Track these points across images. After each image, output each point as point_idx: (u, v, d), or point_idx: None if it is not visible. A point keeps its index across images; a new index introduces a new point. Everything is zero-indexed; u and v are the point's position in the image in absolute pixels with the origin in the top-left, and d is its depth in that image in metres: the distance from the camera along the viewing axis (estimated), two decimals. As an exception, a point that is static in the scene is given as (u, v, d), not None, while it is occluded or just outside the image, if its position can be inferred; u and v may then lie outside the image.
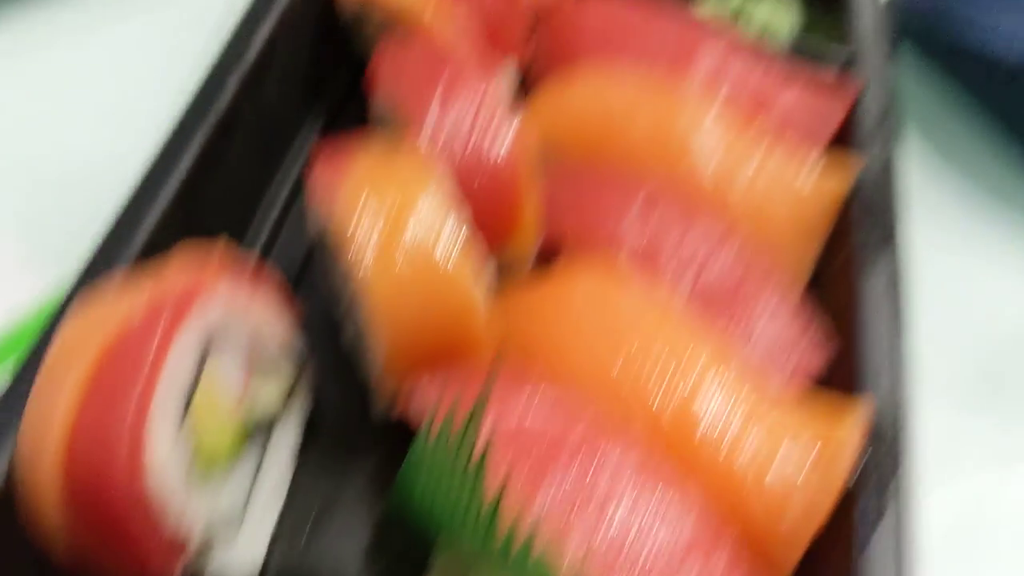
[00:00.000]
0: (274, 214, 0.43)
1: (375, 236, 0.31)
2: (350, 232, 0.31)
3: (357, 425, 0.36)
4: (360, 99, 0.42)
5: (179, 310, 0.29)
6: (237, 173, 0.41)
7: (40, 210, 0.43)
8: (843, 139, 0.42)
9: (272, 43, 0.43)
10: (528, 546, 0.26)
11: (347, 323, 0.37)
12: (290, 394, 0.34)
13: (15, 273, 0.39)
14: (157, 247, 0.35)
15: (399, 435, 0.32)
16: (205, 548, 0.28)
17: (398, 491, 0.29)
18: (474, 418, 0.28)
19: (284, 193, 0.44)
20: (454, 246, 0.31)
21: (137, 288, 0.30)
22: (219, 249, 0.32)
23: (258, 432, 0.32)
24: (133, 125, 0.47)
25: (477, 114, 0.35)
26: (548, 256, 0.39)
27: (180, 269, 0.31)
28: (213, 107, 0.39)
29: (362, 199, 0.32)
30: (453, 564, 0.29)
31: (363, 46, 0.48)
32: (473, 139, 0.35)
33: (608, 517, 0.28)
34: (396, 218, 0.31)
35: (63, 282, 0.38)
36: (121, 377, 0.27)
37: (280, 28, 0.43)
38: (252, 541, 0.31)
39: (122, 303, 0.29)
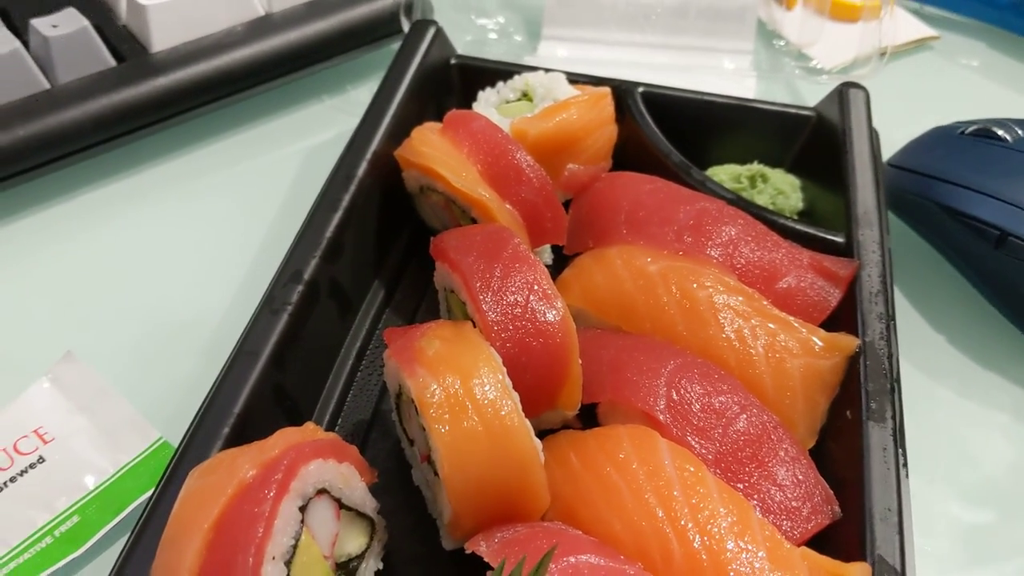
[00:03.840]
0: (349, 364, 0.49)
1: (450, 408, 0.37)
2: (430, 402, 0.37)
3: (427, 557, 0.41)
4: (419, 258, 0.48)
5: (287, 472, 0.34)
6: (320, 332, 0.47)
7: (143, 365, 0.49)
8: (843, 310, 0.48)
9: (349, 216, 0.49)
10: None
11: (416, 467, 0.43)
12: (371, 536, 0.39)
13: (124, 428, 0.44)
14: (253, 410, 0.41)
15: (466, 565, 0.37)
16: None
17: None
18: (541, 566, 0.32)
19: (357, 345, 0.50)
20: (514, 410, 0.37)
21: (246, 456, 0.35)
22: (310, 426, 0.38)
23: (347, 570, 0.37)
24: (222, 282, 0.54)
25: (531, 293, 0.41)
26: (585, 412, 0.44)
27: (281, 442, 0.36)
28: (301, 278, 0.45)
29: (438, 376, 0.38)
30: None
31: (423, 214, 0.55)
32: (529, 315, 0.41)
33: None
34: (466, 389, 0.37)
35: (167, 433, 0.44)
36: (240, 533, 0.32)
37: (354, 202, 0.50)
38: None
39: (235, 468, 0.35)
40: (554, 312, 0.41)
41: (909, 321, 0.54)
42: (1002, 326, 0.54)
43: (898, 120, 0.61)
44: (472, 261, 0.43)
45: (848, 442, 0.42)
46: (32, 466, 0.42)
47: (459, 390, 0.37)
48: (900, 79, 0.72)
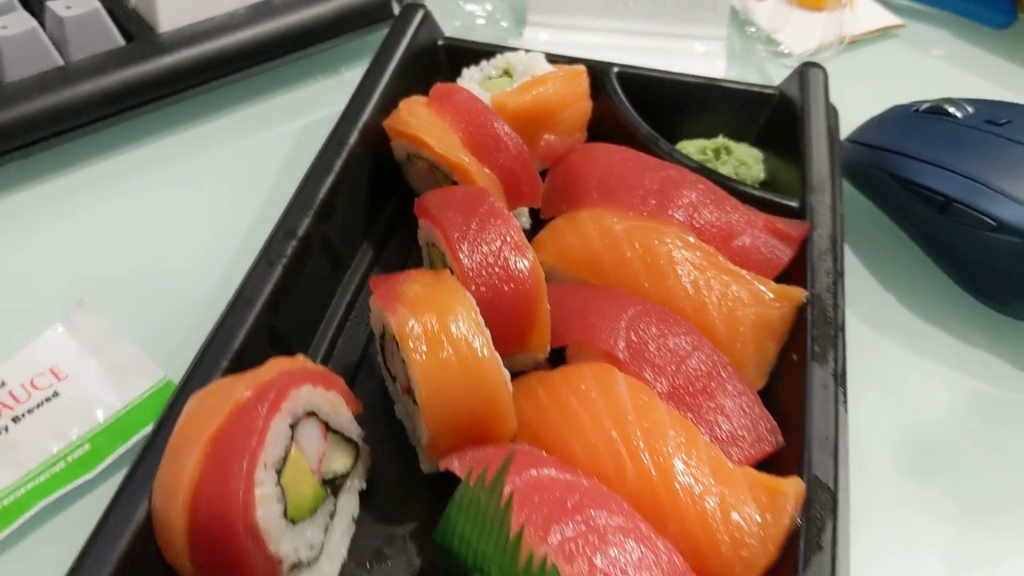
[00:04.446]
0: (340, 314, 0.53)
1: (426, 341, 0.41)
2: (409, 334, 0.41)
3: (407, 480, 0.45)
4: (408, 220, 0.52)
5: (279, 393, 0.38)
6: (312, 285, 0.51)
7: (149, 314, 0.53)
8: (795, 269, 0.52)
9: (340, 180, 0.54)
10: (541, 574, 0.35)
11: (398, 401, 0.47)
12: (355, 458, 0.43)
13: (131, 368, 0.48)
14: (249, 350, 0.45)
15: (442, 488, 0.41)
16: (293, 572, 0.37)
17: (442, 528, 0.38)
18: (501, 473, 0.37)
19: (348, 297, 0.54)
20: (485, 344, 0.41)
21: (242, 381, 0.39)
22: (300, 357, 0.42)
23: (333, 487, 0.41)
24: (223, 240, 0.59)
25: (504, 244, 0.45)
26: (555, 357, 0.48)
27: (273, 368, 0.40)
28: (295, 234, 0.50)
29: (416, 313, 0.42)
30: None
31: (411, 180, 0.60)
32: (501, 264, 0.45)
33: (601, 557, 0.36)
34: (442, 324, 0.41)
35: (171, 373, 0.48)
36: (236, 443, 0.36)
37: (346, 168, 0.54)
38: (328, 568, 0.40)
39: (232, 391, 0.39)
40: (524, 261, 0.45)
41: (861, 282, 0.58)
42: (947, 286, 0.58)
43: (862, 103, 0.64)
44: (451, 215, 0.47)
45: (793, 382, 0.46)
46: (48, 400, 0.46)
47: (435, 325, 0.41)
48: (865, 65, 0.76)
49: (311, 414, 0.40)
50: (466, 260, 0.45)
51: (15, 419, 0.45)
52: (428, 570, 0.42)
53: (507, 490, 0.37)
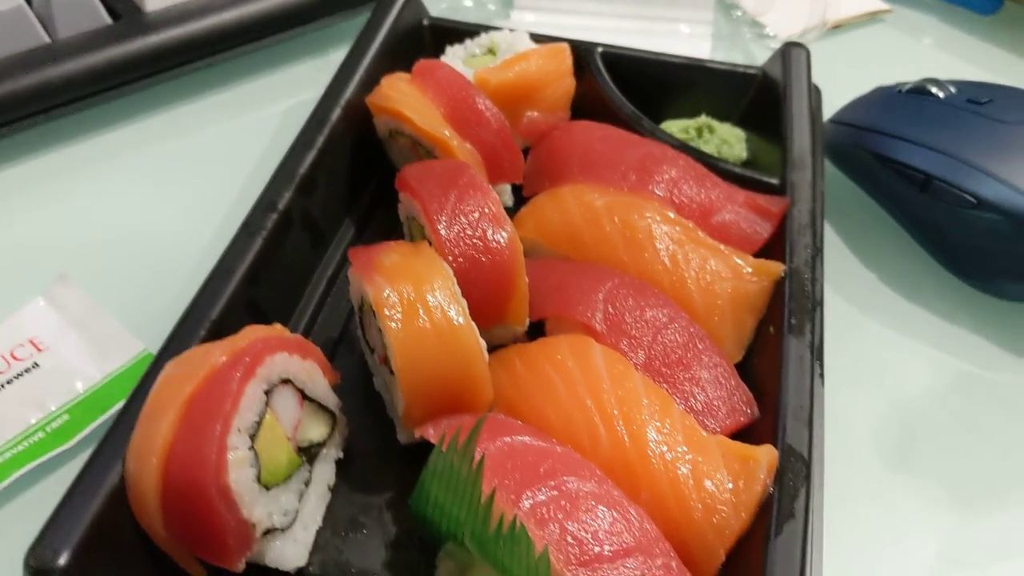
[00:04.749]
0: (320, 290, 0.53)
1: (402, 309, 0.41)
2: (385, 302, 0.41)
3: (384, 451, 0.45)
4: (391, 198, 0.53)
5: (254, 359, 0.38)
6: (293, 259, 0.51)
7: (131, 289, 0.54)
8: (775, 245, 0.52)
9: (322, 156, 0.54)
10: (512, 537, 0.35)
11: (376, 373, 0.47)
12: (332, 428, 0.43)
13: (111, 341, 0.48)
14: (227, 321, 0.45)
15: (418, 459, 0.40)
16: (267, 537, 0.37)
17: (416, 496, 0.38)
18: (471, 437, 0.37)
19: (328, 273, 0.54)
20: (461, 313, 0.41)
21: (218, 348, 0.39)
22: (277, 326, 0.42)
23: (308, 455, 0.41)
24: (206, 216, 0.59)
25: (482, 216, 0.46)
26: (535, 332, 0.48)
27: (250, 335, 0.41)
28: (276, 208, 0.50)
29: (392, 282, 0.42)
30: (455, 555, 0.38)
31: (393, 157, 0.60)
32: (479, 236, 0.45)
33: (573, 522, 0.36)
34: (418, 293, 0.41)
35: (151, 346, 0.48)
36: (210, 407, 0.36)
37: (328, 144, 0.54)
38: (303, 536, 0.40)
39: (207, 357, 0.39)
40: (503, 232, 0.45)
41: (842, 260, 0.59)
42: (929, 266, 0.58)
43: (847, 86, 0.65)
44: (430, 187, 0.47)
45: (770, 355, 0.46)
46: (27, 371, 0.46)
47: (411, 294, 0.41)
48: (852, 49, 0.76)
49: (287, 381, 0.40)
50: (444, 231, 0.45)
51: (-6, 388, 0.46)
52: (404, 538, 0.42)
53: (479, 455, 0.37)
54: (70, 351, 0.48)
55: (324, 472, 0.43)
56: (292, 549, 0.39)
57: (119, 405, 0.46)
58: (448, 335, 0.41)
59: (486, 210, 0.46)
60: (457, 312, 0.41)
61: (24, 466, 0.43)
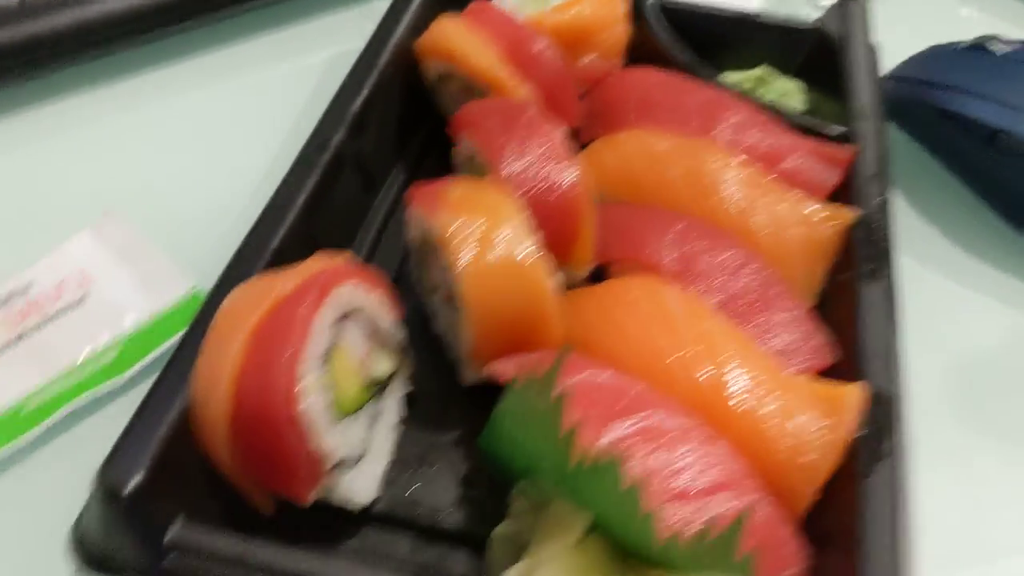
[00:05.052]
0: (371, 235, 0.52)
1: (472, 242, 0.39)
2: (454, 236, 0.39)
3: (447, 392, 0.44)
4: (440, 148, 0.51)
5: (323, 288, 0.37)
6: (345, 201, 0.50)
7: (177, 226, 0.52)
8: (842, 194, 0.51)
9: (372, 98, 0.52)
10: (595, 472, 0.33)
11: (439, 312, 0.45)
12: (398, 363, 0.41)
13: (161, 277, 0.47)
14: (285, 255, 0.43)
15: (483, 399, 0.39)
16: (337, 470, 0.36)
17: (488, 433, 0.37)
18: (553, 371, 0.35)
19: (379, 219, 0.53)
20: (532, 250, 0.40)
21: (286, 275, 0.38)
22: (345, 255, 0.41)
23: (375, 390, 0.39)
24: (250, 160, 0.57)
25: (548, 152, 0.44)
26: (598, 277, 0.47)
27: (317, 264, 0.39)
28: (328, 146, 0.48)
29: (460, 215, 0.40)
30: (530, 493, 0.36)
31: (443, 104, 0.58)
32: (545, 172, 0.43)
33: (658, 457, 0.35)
34: (489, 226, 0.40)
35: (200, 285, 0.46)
36: (280, 333, 0.35)
37: (378, 87, 0.53)
38: (372, 470, 0.38)
39: (275, 284, 0.37)
40: (569, 170, 0.44)
41: (904, 217, 0.57)
42: (991, 220, 0.56)
43: (898, 47, 0.63)
44: (492, 125, 0.45)
45: (844, 303, 0.45)
46: (76, 304, 0.45)
47: (480, 226, 0.40)
48: (905, 14, 0.75)
49: (355, 312, 0.39)
50: (509, 168, 0.43)
51: (43, 321, 0.44)
52: (473, 477, 0.41)
53: (559, 390, 0.36)
54: (119, 285, 0.46)
55: (392, 407, 0.41)
56: (361, 483, 0.38)
57: (170, 341, 0.45)
58: (520, 270, 0.39)
59: (553, 147, 0.44)
60: (530, 245, 0.40)
61: (73, 400, 0.42)
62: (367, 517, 0.39)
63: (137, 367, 0.44)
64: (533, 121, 0.46)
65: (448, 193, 0.42)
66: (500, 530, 0.38)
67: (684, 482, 0.34)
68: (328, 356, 0.37)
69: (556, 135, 0.45)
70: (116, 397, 0.44)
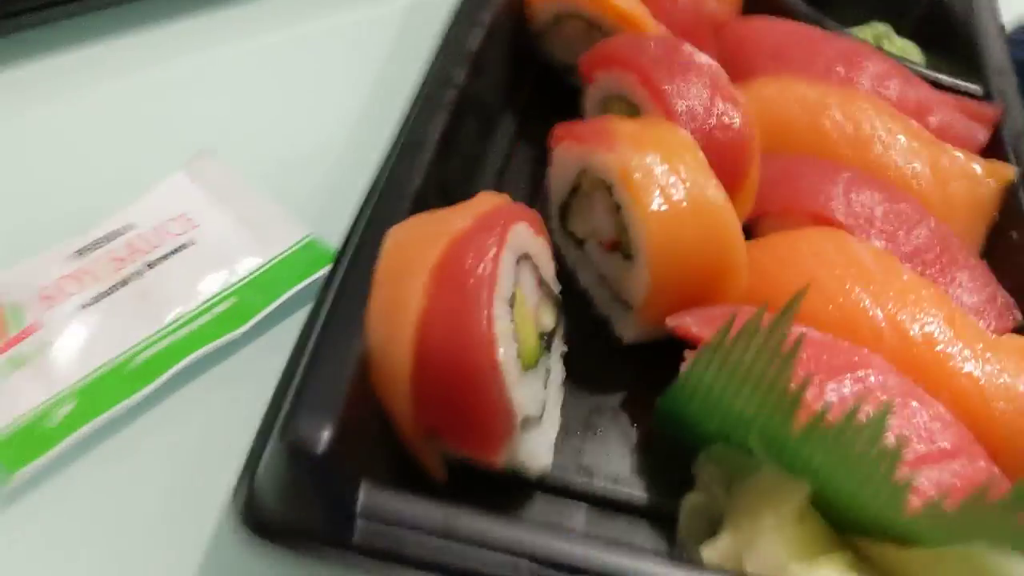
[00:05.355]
0: (489, 182, 0.47)
1: (657, 181, 0.35)
2: (634, 172, 0.35)
3: (600, 351, 0.40)
4: (549, 99, 0.47)
5: (505, 225, 0.33)
6: (466, 145, 0.45)
7: (285, 170, 0.47)
8: (989, 153, 0.48)
9: (488, 41, 0.47)
10: (823, 436, 0.30)
11: (588, 264, 0.41)
12: (558, 317, 0.37)
13: (271, 223, 0.42)
14: (423, 201, 0.38)
15: (643, 357, 0.36)
16: (524, 427, 0.31)
17: (673, 394, 0.33)
18: (778, 324, 0.31)
19: (497, 166, 0.48)
20: (719, 188, 0.36)
21: (455, 213, 0.33)
22: (507, 195, 0.36)
23: (544, 345, 0.35)
24: (343, 99, 0.53)
25: (715, 89, 0.40)
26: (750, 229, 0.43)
27: (487, 201, 0.35)
28: (450, 86, 0.43)
29: (641, 151, 0.36)
30: (723, 459, 0.33)
31: (552, 51, 0.54)
32: (715, 109, 0.40)
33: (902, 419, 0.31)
34: (670, 165, 0.36)
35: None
36: (470, 272, 0.30)
37: (492, 29, 0.48)
38: (546, 437, 0.34)
39: (446, 221, 0.33)
40: (738, 109, 0.40)
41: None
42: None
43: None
44: (650, 60, 0.42)
45: (1012, 260, 0.42)
46: (184, 246, 0.40)
47: (661, 165, 0.36)
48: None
49: (527, 256, 0.35)
50: (676, 103, 0.40)
51: (149, 264, 0.39)
52: (645, 441, 0.37)
53: (786, 347, 0.31)
54: (226, 230, 0.41)
55: (557, 366, 0.37)
56: (541, 445, 0.33)
57: (289, 292, 0.40)
58: (707, 213, 0.36)
59: (718, 85, 0.41)
60: (715, 188, 0.36)
61: (191, 353, 0.37)
62: (539, 486, 0.35)
63: (258, 317, 0.39)
64: (694, 57, 0.42)
65: (618, 129, 0.38)
66: (690, 500, 0.34)
67: (918, 448, 0.31)
68: (514, 299, 0.32)
69: (720, 71, 0.41)
70: (234, 351, 0.39)
